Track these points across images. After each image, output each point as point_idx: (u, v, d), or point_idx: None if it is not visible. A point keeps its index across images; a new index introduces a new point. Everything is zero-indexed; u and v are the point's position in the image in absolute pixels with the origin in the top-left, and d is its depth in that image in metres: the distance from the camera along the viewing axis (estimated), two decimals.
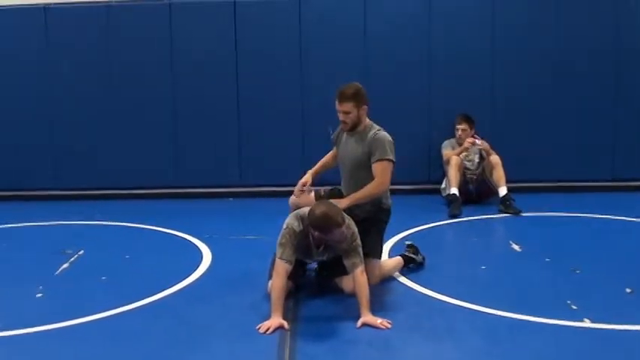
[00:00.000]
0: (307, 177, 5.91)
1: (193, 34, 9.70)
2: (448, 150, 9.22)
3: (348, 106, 5.68)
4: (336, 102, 5.74)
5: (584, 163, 9.79)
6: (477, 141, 9.05)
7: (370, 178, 5.68)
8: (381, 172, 5.66)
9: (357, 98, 5.71)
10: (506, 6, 9.64)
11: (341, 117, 5.75)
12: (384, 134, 5.76)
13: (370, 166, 5.69)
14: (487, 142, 9.09)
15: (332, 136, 6.10)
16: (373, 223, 5.74)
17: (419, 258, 6.29)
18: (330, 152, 6.15)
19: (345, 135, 5.94)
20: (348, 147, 5.84)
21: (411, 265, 6.22)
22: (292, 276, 5.31)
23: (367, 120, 5.87)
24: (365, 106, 5.78)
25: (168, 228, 7.98)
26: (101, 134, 9.83)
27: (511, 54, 9.67)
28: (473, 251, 7.22)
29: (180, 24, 9.68)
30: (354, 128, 5.80)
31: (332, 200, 5.55)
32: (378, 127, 5.82)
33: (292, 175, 6.38)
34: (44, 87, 9.79)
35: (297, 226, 5.19)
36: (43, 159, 9.90)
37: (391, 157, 5.69)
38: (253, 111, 9.78)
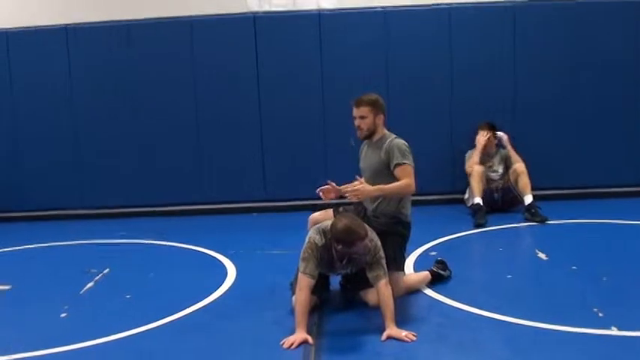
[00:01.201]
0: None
1: (215, 51, 9.71)
2: (470, 161, 9.18)
3: (365, 110, 5.77)
4: (354, 107, 5.83)
5: (609, 169, 9.70)
6: (499, 134, 9.14)
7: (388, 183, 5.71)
8: (406, 174, 5.70)
9: (374, 104, 5.81)
10: (526, 16, 9.57)
11: (356, 122, 5.82)
12: (400, 140, 5.81)
13: (388, 174, 5.71)
14: (507, 135, 9.12)
15: (359, 151, 6.12)
16: (392, 235, 5.70)
17: (446, 273, 6.25)
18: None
19: (366, 147, 5.99)
20: (368, 157, 5.90)
21: (438, 280, 6.17)
22: (316, 290, 5.29)
23: (385, 130, 5.91)
24: (382, 115, 5.85)
25: (192, 245, 7.99)
26: (125, 152, 9.87)
27: (533, 63, 9.60)
28: (498, 261, 7.17)
29: (202, 41, 9.70)
30: (370, 136, 5.86)
31: (359, 183, 5.57)
32: (394, 135, 5.86)
33: (315, 188, 6.37)
34: (68, 107, 9.82)
35: (319, 240, 5.19)
36: (69, 178, 9.94)
37: (409, 161, 5.72)
38: (276, 126, 9.78)
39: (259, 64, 9.68)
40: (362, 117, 5.79)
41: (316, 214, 5.96)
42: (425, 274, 6.11)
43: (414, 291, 5.92)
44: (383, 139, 5.83)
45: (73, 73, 9.78)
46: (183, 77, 9.75)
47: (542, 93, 9.65)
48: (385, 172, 5.73)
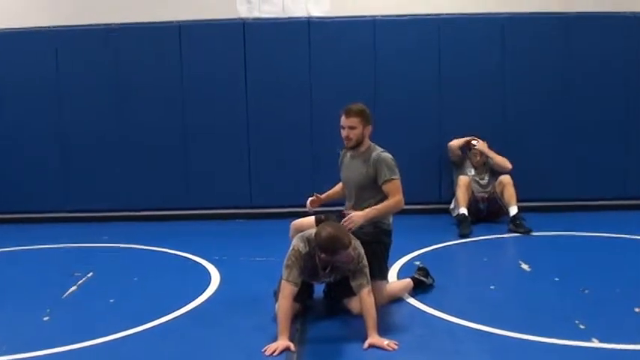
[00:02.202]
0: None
1: (203, 56, 9.72)
2: (454, 143, 9.39)
3: (355, 121, 5.75)
4: (343, 117, 5.80)
5: (595, 182, 9.75)
6: (473, 142, 9.22)
7: (375, 198, 5.73)
8: (395, 190, 5.72)
9: (363, 115, 5.79)
10: (515, 27, 9.63)
11: (345, 132, 5.79)
12: (387, 155, 5.81)
13: (374, 187, 5.72)
14: (487, 144, 9.22)
15: (339, 160, 6.13)
16: (375, 244, 5.69)
17: (428, 281, 6.27)
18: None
19: (348, 155, 5.98)
20: (352, 168, 5.88)
21: (421, 288, 6.18)
22: (299, 298, 5.30)
23: (369, 142, 5.91)
24: (369, 127, 5.85)
25: (177, 250, 7.98)
26: (111, 156, 9.86)
27: (522, 74, 9.67)
28: (482, 271, 7.19)
29: (190, 46, 9.71)
30: (356, 146, 5.84)
31: (351, 213, 5.58)
32: (380, 149, 5.85)
33: (302, 196, 6.37)
34: (54, 109, 9.82)
35: (303, 247, 5.19)
36: (53, 181, 9.92)
37: (396, 176, 5.73)
38: (263, 132, 9.78)
39: (248, 71, 9.70)
40: (351, 127, 5.76)
41: (298, 221, 5.96)
42: (407, 282, 6.13)
43: (397, 299, 5.93)
44: (369, 151, 5.83)
45: (60, 76, 9.76)
46: (171, 82, 9.76)
47: (530, 104, 9.71)
48: (371, 186, 5.74)
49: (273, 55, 9.70)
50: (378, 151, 5.82)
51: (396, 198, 5.70)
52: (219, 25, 9.72)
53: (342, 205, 6.09)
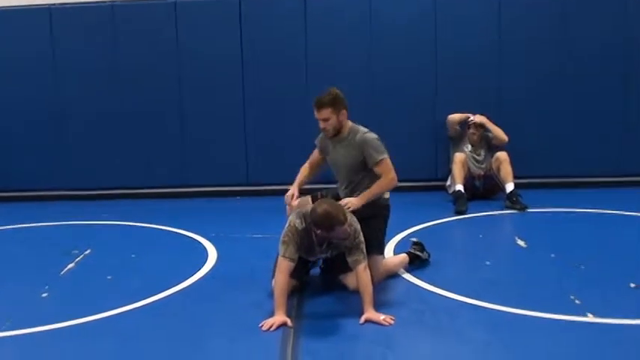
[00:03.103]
0: (294, 190, 5.84)
1: (199, 34, 9.70)
2: (454, 117, 9.38)
3: (327, 112, 5.68)
4: (315, 110, 5.75)
5: (591, 159, 9.76)
6: (470, 116, 9.23)
7: (367, 179, 5.74)
8: (387, 169, 5.71)
9: (334, 104, 5.70)
10: (512, 5, 9.59)
11: (321, 125, 5.76)
12: (370, 135, 5.78)
13: (365, 169, 5.73)
14: (486, 117, 9.24)
15: (315, 141, 6.13)
16: (373, 219, 5.72)
17: (424, 255, 6.30)
18: (310, 160, 6.12)
19: (330, 142, 5.93)
20: (339, 154, 5.83)
21: (417, 263, 6.22)
22: (296, 274, 5.34)
23: (349, 123, 5.86)
24: (344, 111, 5.76)
25: (174, 227, 8.01)
26: (108, 134, 9.86)
27: (518, 51, 9.64)
28: (478, 247, 7.23)
29: (186, 23, 9.68)
30: (337, 134, 5.80)
31: (346, 199, 5.59)
32: (363, 130, 5.82)
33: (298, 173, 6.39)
34: (50, 87, 9.81)
35: (299, 223, 5.21)
36: (51, 159, 9.93)
37: (385, 155, 5.73)
38: (259, 109, 9.79)
39: (244, 47, 9.68)
40: (325, 119, 5.71)
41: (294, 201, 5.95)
42: (403, 257, 6.16)
43: (393, 275, 5.97)
44: (351, 134, 5.79)
45: (56, 53, 9.75)
46: (167, 59, 9.75)
47: (527, 82, 9.69)
48: (361, 168, 5.74)
49: (269, 32, 9.68)
50: (361, 133, 5.78)
51: (388, 177, 5.71)
52: (216, 2, 9.68)
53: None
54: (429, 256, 6.33)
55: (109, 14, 9.68)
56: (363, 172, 5.75)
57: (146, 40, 9.73)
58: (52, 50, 9.74)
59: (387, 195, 5.91)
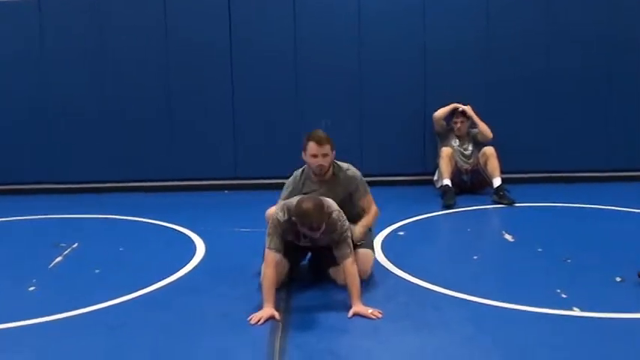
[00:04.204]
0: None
1: (188, 24, 9.68)
2: (438, 113, 9.32)
3: (327, 148, 5.63)
4: (314, 145, 5.62)
5: (578, 154, 9.81)
6: (459, 106, 9.23)
7: (353, 210, 5.76)
8: (372, 202, 5.90)
9: (331, 142, 5.68)
10: None
11: (319, 160, 5.63)
12: (354, 171, 5.86)
13: (350, 203, 5.75)
14: (472, 108, 9.25)
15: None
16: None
17: None
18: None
19: (312, 183, 5.80)
20: (325, 193, 5.63)
21: None
22: (289, 257, 5.42)
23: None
24: (334, 152, 5.74)
25: (162, 221, 8.00)
26: (96, 126, 9.83)
27: (506, 43, 9.69)
28: (465, 241, 7.25)
29: (175, 10, 9.65)
30: (326, 173, 5.75)
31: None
32: (344, 165, 5.86)
33: (287, 167, 6.39)
34: (36, 80, 9.77)
35: (282, 216, 5.23)
36: (38, 152, 9.90)
37: (368, 190, 5.91)
38: (248, 103, 9.78)
39: (232, 39, 9.67)
40: (325, 155, 5.63)
41: (273, 208, 5.89)
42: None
43: (381, 269, 6.01)
44: (337, 173, 5.80)
45: (44, 44, 9.70)
46: (156, 50, 9.71)
47: (515, 74, 9.72)
48: (347, 202, 5.72)
49: (259, 24, 9.67)
50: (344, 169, 5.82)
51: (374, 209, 5.90)
52: None
53: None
54: None
55: (95, 5, 9.64)
56: (349, 206, 5.72)
57: (134, 31, 9.69)
58: (40, 41, 9.68)
59: None
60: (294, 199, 5.24)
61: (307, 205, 5.01)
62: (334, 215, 5.21)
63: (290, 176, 5.92)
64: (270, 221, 5.30)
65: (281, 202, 5.45)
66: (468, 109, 9.26)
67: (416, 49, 9.69)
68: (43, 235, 7.68)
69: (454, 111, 9.31)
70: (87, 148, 9.84)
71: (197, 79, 9.75)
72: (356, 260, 5.29)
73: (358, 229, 5.67)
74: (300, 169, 5.88)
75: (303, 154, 5.75)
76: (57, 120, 9.83)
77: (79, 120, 9.82)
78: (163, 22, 9.66)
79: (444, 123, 9.38)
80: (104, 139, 9.82)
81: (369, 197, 5.87)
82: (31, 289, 5.74)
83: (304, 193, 5.60)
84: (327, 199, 5.34)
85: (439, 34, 9.67)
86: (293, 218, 5.11)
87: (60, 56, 9.74)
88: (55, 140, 9.86)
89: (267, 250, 5.21)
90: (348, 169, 5.83)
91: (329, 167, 5.72)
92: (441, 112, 9.32)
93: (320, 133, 5.69)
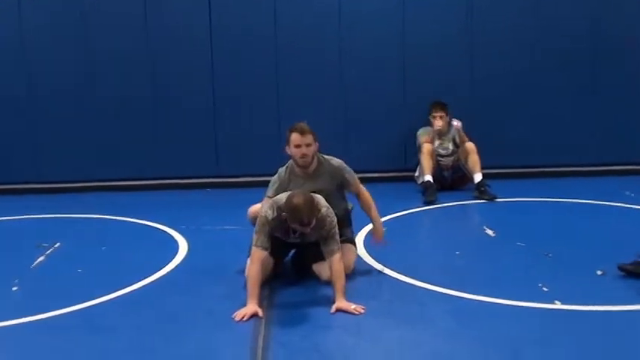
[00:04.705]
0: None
1: (168, 18, 9.63)
2: (425, 138, 9.21)
3: (310, 138, 5.68)
4: (297, 136, 5.67)
5: (557, 149, 9.86)
6: (454, 122, 9.08)
7: (341, 199, 5.88)
8: (361, 186, 5.98)
9: (313, 132, 5.74)
10: None
11: (303, 150, 5.67)
12: (338, 161, 5.91)
13: (339, 193, 5.87)
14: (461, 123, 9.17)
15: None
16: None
17: None
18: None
19: (297, 178, 5.80)
20: (312, 187, 5.63)
21: None
22: (275, 252, 5.43)
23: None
24: (317, 143, 5.79)
25: (144, 220, 7.98)
26: (77, 126, 9.75)
27: (489, 38, 9.71)
28: (447, 237, 7.30)
29: (155, 3, 9.61)
30: (310, 165, 5.77)
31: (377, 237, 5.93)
32: (327, 157, 5.91)
33: (269, 164, 6.40)
34: (17, 78, 9.69)
35: (270, 214, 5.24)
36: (20, 152, 9.83)
37: (355, 176, 5.97)
38: (229, 100, 9.75)
39: (212, 36, 9.64)
40: (308, 145, 5.67)
41: (255, 206, 5.89)
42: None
43: (364, 265, 6.04)
44: (320, 164, 5.83)
45: (24, 42, 9.64)
46: (136, 47, 9.64)
47: (495, 70, 9.75)
48: (336, 194, 5.79)
49: (239, 18, 9.63)
50: (328, 161, 5.87)
51: (367, 193, 5.98)
52: None
53: None
54: None
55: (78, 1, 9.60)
56: (337, 197, 5.82)
57: (115, 26, 9.61)
58: (21, 38, 9.62)
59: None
60: (283, 196, 5.27)
61: (298, 200, 5.04)
62: (323, 211, 5.24)
63: (275, 174, 5.92)
64: (257, 219, 5.31)
65: (269, 200, 5.47)
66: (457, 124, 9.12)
67: (395, 45, 9.69)
68: (25, 235, 7.65)
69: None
70: (67, 147, 9.76)
71: (177, 75, 9.69)
72: None
73: (378, 225, 5.97)
74: (284, 166, 5.89)
75: (287, 147, 5.78)
76: (37, 119, 9.74)
77: (60, 118, 9.73)
78: (144, 16, 9.60)
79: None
80: (85, 138, 9.75)
81: (357, 182, 5.94)
82: (14, 289, 5.73)
83: (291, 189, 5.59)
84: (316, 195, 5.36)
85: (419, 31, 9.66)
86: (283, 214, 5.13)
87: (40, 54, 9.65)
88: (35, 139, 9.78)
89: (253, 248, 5.23)
90: (331, 160, 5.87)
91: (313, 157, 5.75)
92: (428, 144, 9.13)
93: (302, 124, 5.75)
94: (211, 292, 5.52)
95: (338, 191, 5.86)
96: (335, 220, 5.33)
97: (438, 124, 9.05)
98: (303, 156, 5.70)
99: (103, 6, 9.60)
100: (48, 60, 9.69)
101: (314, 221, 5.08)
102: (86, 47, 9.64)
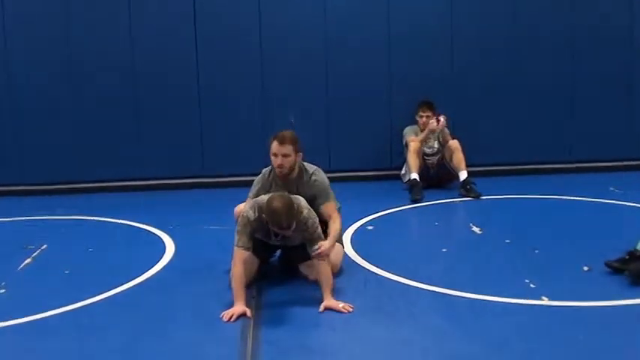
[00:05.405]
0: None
1: (153, 20, 9.60)
2: (412, 136, 9.23)
3: (289, 148, 5.59)
4: (275, 144, 5.61)
5: (543, 146, 9.91)
6: (441, 119, 9.01)
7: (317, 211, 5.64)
8: (334, 211, 5.73)
9: (295, 143, 5.64)
10: None
11: (279, 160, 5.60)
12: (322, 177, 5.79)
13: (314, 206, 5.60)
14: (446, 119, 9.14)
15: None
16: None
17: None
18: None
19: (277, 184, 5.74)
20: (293, 193, 5.54)
21: None
22: (258, 253, 5.45)
23: (298, 165, 5.78)
24: (300, 154, 5.71)
25: (131, 220, 7.95)
26: (61, 127, 9.69)
27: (471, 36, 9.77)
28: (434, 235, 7.33)
29: (140, 8, 9.56)
30: (289, 175, 5.70)
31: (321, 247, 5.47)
32: (311, 167, 5.82)
33: (254, 164, 6.39)
34: (4, 79, 9.61)
35: (252, 214, 5.23)
36: (6, 154, 9.77)
37: (332, 198, 5.78)
38: (214, 100, 9.72)
39: (198, 36, 9.61)
40: (285, 155, 5.59)
41: (242, 205, 5.84)
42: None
43: (352, 264, 6.05)
44: (302, 174, 5.75)
45: (7, 42, 9.57)
46: (120, 48, 9.58)
47: (480, 67, 9.82)
48: (313, 204, 5.61)
49: (224, 19, 9.60)
50: (310, 173, 5.77)
51: (336, 219, 5.70)
52: None
53: None
54: None
55: (63, 3, 9.54)
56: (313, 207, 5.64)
57: (99, 25, 9.56)
58: (4, 35, 9.56)
59: None
60: (265, 198, 5.25)
61: (277, 204, 5.00)
62: (305, 214, 5.23)
63: (259, 174, 5.92)
64: (239, 219, 5.30)
65: (251, 201, 5.46)
66: (442, 121, 9.10)
67: (380, 43, 9.71)
68: (10, 238, 7.62)
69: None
70: (52, 148, 9.71)
71: (163, 75, 9.62)
72: None
73: (328, 243, 5.42)
74: (269, 167, 5.86)
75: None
76: (21, 119, 9.69)
77: (44, 120, 9.68)
78: (128, 17, 9.55)
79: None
80: (70, 139, 9.70)
81: (332, 205, 5.74)
82: (1, 291, 5.70)
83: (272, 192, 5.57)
84: (298, 196, 5.36)
85: (403, 26, 9.67)
86: (263, 216, 5.12)
87: (24, 55, 9.59)
88: (20, 141, 9.72)
89: (235, 248, 5.22)
90: (313, 174, 5.77)
91: (290, 169, 5.67)
92: (419, 142, 9.13)
93: (286, 133, 5.68)
94: (199, 292, 5.51)
95: (313, 204, 5.68)
96: (317, 220, 5.32)
97: (432, 125, 8.98)
98: (279, 166, 5.64)
99: (85, 6, 9.55)
100: (29, 60, 9.62)
101: (294, 224, 5.08)
102: (68, 47, 9.58)
